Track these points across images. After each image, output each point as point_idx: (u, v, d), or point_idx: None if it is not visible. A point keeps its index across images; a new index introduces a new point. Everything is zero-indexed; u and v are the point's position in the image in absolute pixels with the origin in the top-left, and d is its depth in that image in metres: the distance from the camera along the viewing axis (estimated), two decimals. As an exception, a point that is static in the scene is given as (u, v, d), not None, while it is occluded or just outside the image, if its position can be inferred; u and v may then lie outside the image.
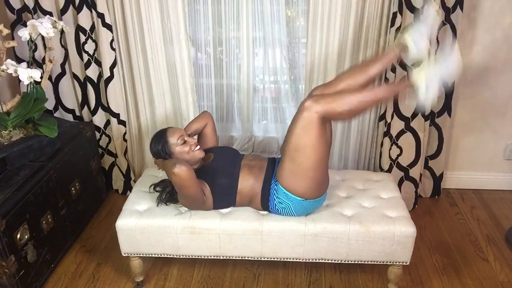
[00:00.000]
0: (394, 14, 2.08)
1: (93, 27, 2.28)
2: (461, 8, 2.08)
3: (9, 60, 1.91)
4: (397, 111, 2.28)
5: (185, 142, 1.82)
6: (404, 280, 1.98)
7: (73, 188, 2.20)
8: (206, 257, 1.86)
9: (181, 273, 2.06)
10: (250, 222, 1.78)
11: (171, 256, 1.87)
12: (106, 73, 2.34)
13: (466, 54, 2.31)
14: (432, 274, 2.03)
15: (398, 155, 2.37)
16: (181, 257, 1.87)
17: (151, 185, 1.96)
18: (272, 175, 1.83)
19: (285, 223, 1.78)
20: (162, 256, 1.87)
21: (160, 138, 1.83)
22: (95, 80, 2.40)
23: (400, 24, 2.09)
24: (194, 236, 1.80)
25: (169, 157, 1.81)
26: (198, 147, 1.84)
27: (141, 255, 1.88)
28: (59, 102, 2.49)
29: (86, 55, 2.32)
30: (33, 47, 2.25)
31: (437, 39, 2.14)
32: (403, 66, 2.17)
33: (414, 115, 2.27)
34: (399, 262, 1.80)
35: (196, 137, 2.04)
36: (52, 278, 2.03)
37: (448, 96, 2.29)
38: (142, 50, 2.32)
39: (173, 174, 1.65)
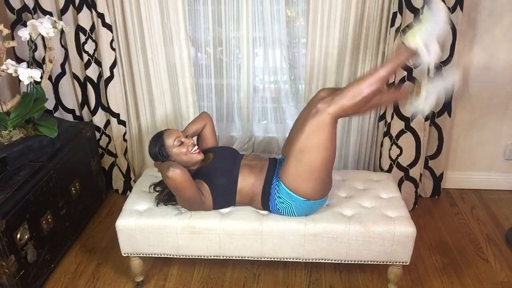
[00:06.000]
0: (394, 14, 2.08)
1: (93, 27, 2.28)
2: (461, 8, 2.08)
3: (9, 60, 1.91)
4: (397, 111, 2.28)
5: (182, 143, 1.82)
6: (404, 280, 1.98)
7: (73, 188, 2.20)
8: (206, 257, 1.86)
9: (181, 273, 2.06)
10: (250, 222, 1.78)
11: (171, 256, 1.87)
12: (106, 73, 2.34)
13: (466, 54, 2.32)
14: (432, 274, 2.03)
15: (398, 155, 2.37)
16: (181, 257, 1.87)
17: (151, 185, 1.96)
18: (273, 175, 1.82)
19: (285, 223, 1.78)
20: (162, 256, 1.87)
21: (157, 141, 1.83)
22: (95, 80, 2.40)
23: (400, 24, 2.08)
24: (194, 236, 1.80)
25: (167, 159, 1.81)
26: (196, 147, 1.84)
27: (141, 255, 1.88)
28: (59, 102, 2.49)
29: (86, 55, 2.32)
30: (33, 47, 2.25)
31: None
32: (404, 66, 2.17)
33: (414, 115, 2.27)
34: (399, 262, 1.80)
35: (195, 138, 2.04)
36: (52, 278, 2.03)
37: (448, 96, 2.28)
38: (142, 50, 2.32)
39: (167, 178, 1.65)
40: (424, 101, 1.75)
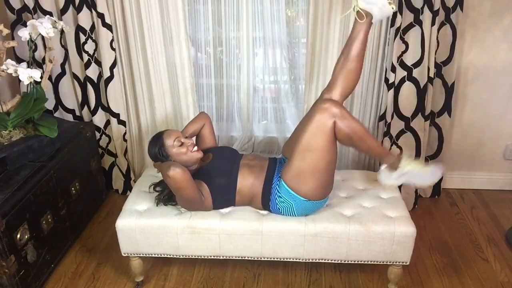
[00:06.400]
0: (394, 14, 2.07)
1: (93, 27, 2.28)
2: (461, 8, 2.08)
3: (9, 60, 1.91)
4: (397, 111, 2.28)
5: (182, 143, 1.82)
6: (404, 280, 1.98)
7: (73, 188, 2.20)
8: (206, 257, 1.86)
9: (181, 273, 2.06)
10: (250, 222, 1.78)
11: (171, 256, 1.87)
12: (106, 73, 2.34)
13: (466, 54, 2.32)
14: (432, 274, 2.03)
15: (400, 153, 2.36)
16: (181, 257, 1.87)
17: (151, 185, 1.96)
18: (273, 175, 1.82)
19: (285, 223, 1.78)
20: (162, 256, 1.87)
21: (156, 141, 1.83)
22: (95, 80, 2.40)
23: (400, 24, 2.09)
24: (194, 236, 1.80)
25: (167, 159, 1.81)
26: (196, 147, 1.84)
27: (141, 255, 1.88)
28: (59, 102, 2.49)
29: (86, 55, 2.32)
30: (33, 47, 2.25)
31: (437, 39, 2.14)
32: (404, 65, 2.17)
33: (414, 115, 2.28)
34: (399, 262, 1.80)
35: (194, 138, 2.04)
36: (52, 278, 2.03)
37: (448, 96, 2.29)
38: (142, 50, 2.32)
39: (168, 177, 1.65)
40: (395, 178, 1.78)
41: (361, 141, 1.68)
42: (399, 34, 2.10)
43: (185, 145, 1.82)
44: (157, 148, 1.82)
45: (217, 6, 2.34)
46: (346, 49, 1.79)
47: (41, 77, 1.98)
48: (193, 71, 2.37)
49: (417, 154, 2.35)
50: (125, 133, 2.54)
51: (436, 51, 2.18)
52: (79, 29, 2.26)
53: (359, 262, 1.82)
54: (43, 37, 2.21)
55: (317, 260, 1.83)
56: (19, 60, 2.21)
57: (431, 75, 2.20)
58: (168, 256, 1.87)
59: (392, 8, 1.67)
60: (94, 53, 2.34)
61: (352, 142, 1.69)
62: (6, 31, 1.92)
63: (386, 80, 2.23)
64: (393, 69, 2.17)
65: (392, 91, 2.22)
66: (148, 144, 1.87)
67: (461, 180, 2.66)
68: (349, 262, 1.82)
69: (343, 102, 1.82)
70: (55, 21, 2.01)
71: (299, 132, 1.73)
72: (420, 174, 1.74)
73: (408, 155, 1.78)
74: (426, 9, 2.05)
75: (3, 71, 1.88)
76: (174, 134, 1.84)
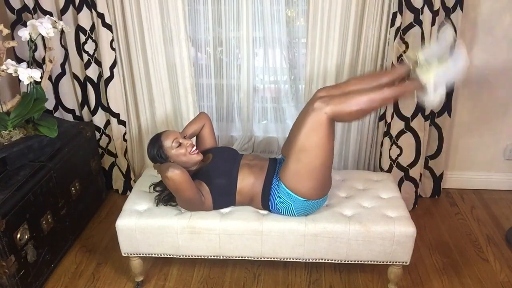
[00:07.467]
0: (394, 14, 2.07)
1: (93, 27, 2.28)
2: (461, 8, 2.08)
3: (9, 60, 1.91)
4: (397, 111, 2.28)
5: (180, 144, 1.82)
6: (404, 280, 1.98)
7: (73, 188, 2.20)
8: (206, 257, 1.86)
9: (181, 273, 2.06)
10: (250, 222, 1.78)
11: (171, 256, 1.87)
12: (106, 73, 2.34)
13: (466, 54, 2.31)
14: (432, 274, 2.03)
15: (398, 155, 2.37)
16: (181, 257, 1.87)
17: (151, 185, 1.96)
18: (273, 175, 1.83)
19: (285, 223, 1.78)
20: (162, 256, 1.87)
21: (155, 143, 1.83)
22: (95, 80, 2.40)
23: (400, 24, 2.08)
24: (194, 236, 1.80)
25: (166, 160, 1.81)
26: (195, 148, 1.84)
27: (141, 255, 1.88)
28: (59, 102, 2.49)
29: (86, 55, 2.32)
30: (33, 47, 2.25)
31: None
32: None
33: (414, 115, 2.28)
34: (399, 262, 1.80)
35: (194, 139, 2.03)
36: (52, 278, 2.03)
37: (448, 96, 2.29)
38: (142, 50, 2.32)
39: (167, 178, 1.65)
40: (433, 93, 1.67)
41: (372, 104, 1.65)
42: (399, 34, 2.10)
43: (183, 146, 1.82)
44: (156, 150, 1.82)
45: (217, 6, 2.34)
46: (378, 76, 1.79)
47: (41, 77, 1.98)
48: (193, 71, 2.37)
49: (417, 154, 2.35)
50: (125, 133, 2.53)
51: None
52: (79, 29, 2.26)
53: (359, 262, 1.82)
54: (43, 37, 2.21)
55: (317, 260, 1.83)
56: (19, 60, 2.21)
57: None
58: (168, 256, 1.87)
59: (436, 106, 1.67)
60: (94, 53, 2.34)
61: (366, 113, 1.66)
62: (6, 31, 1.92)
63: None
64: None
65: (392, 91, 2.21)
66: (147, 146, 1.87)
67: (461, 180, 2.66)
68: (349, 262, 1.82)
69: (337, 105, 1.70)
70: (55, 21, 2.01)
71: (295, 133, 1.73)
72: (447, 71, 1.64)
73: (422, 70, 1.66)
74: (426, 9, 2.05)
75: (3, 71, 1.88)
76: (172, 135, 1.84)
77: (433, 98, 1.66)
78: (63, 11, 2.24)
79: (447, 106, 2.31)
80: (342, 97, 1.68)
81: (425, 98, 1.68)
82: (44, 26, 1.94)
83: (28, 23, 1.98)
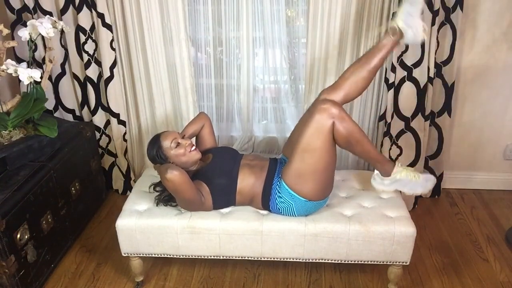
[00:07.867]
0: (394, 14, 2.07)
1: (93, 27, 2.28)
2: (461, 8, 2.08)
3: (9, 60, 1.91)
4: (397, 111, 2.28)
5: (179, 144, 1.82)
6: (404, 280, 1.98)
7: (73, 188, 2.20)
8: (206, 257, 1.86)
9: (181, 273, 2.06)
10: (250, 222, 1.78)
11: (171, 256, 1.87)
12: (106, 73, 2.34)
13: (466, 54, 2.32)
14: (432, 274, 2.03)
15: (398, 155, 2.37)
16: (181, 257, 1.87)
17: (151, 185, 1.96)
18: (274, 175, 1.82)
19: (285, 223, 1.78)
20: (162, 256, 1.87)
21: (154, 144, 1.83)
22: (95, 80, 2.40)
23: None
24: (194, 236, 1.80)
25: (165, 161, 1.81)
26: (194, 147, 1.84)
27: (141, 255, 1.88)
28: (59, 102, 2.49)
29: (86, 55, 2.32)
30: (33, 47, 2.25)
31: (437, 39, 2.14)
32: (404, 65, 2.17)
33: (414, 115, 2.28)
34: (399, 262, 1.80)
35: (194, 139, 2.03)
36: (52, 278, 2.03)
37: (448, 96, 2.29)
38: (142, 50, 2.32)
39: (166, 180, 1.65)
40: (387, 184, 1.84)
41: (358, 144, 1.69)
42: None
43: (182, 146, 1.82)
44: (155, 151, 1.82)
45: (217, 6, 2.34)
46: (365, 58, 1.80)
47: (41, 77, 1.98)
48: (193, 71, 2.37)
49: (417, 154, 2.35)
50: (125, 133, 2.53)
51: (436, 51, 2.18)
52: (79, 29, 2.26)
53: (359, 262, 1.82)
54: (43, 37, 2.21)
55: (317, 260, 1.83)
56: (19, 60, 2.21)
57: (431, 75, 2.20)
58: (168, 256, 1.87)
59: (424, 37, 1.71)
60: (94, 53, 2.34)
61: (349, 145, 1.69)
62: (6, 31, 1.92)
63: (386, 80, 2.23)
64: (393, 69, 2.17)
65: (392, 91, 2.22)
66: (147, 147, 1.87)
67: (461, 180, 2.66)
68: (349, 262, 1.82)
69: (342, 105, 1.81)
70: (55, 21, 2.01)
71: (299, 133, 1.73)
72: (412, 182, 1.78)
73: (401, 163, 1.81)
74: (426, 9, 2.04)
75: (3, 71, 1.88)
76: (171, 135, 1.83)
77: (415, 33, 1.70)
78: (63, 11, 2.24)
79: (447, 106, 2.31)
80: (343, 91, 1.80)
81: (408, 39, 1.73)
82: (44, 26, 1.94)
83: (28, 23, 1.98)
